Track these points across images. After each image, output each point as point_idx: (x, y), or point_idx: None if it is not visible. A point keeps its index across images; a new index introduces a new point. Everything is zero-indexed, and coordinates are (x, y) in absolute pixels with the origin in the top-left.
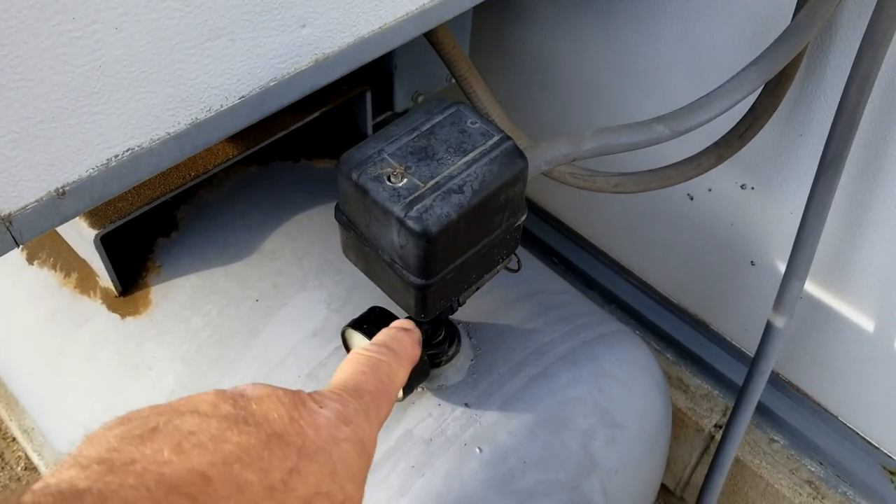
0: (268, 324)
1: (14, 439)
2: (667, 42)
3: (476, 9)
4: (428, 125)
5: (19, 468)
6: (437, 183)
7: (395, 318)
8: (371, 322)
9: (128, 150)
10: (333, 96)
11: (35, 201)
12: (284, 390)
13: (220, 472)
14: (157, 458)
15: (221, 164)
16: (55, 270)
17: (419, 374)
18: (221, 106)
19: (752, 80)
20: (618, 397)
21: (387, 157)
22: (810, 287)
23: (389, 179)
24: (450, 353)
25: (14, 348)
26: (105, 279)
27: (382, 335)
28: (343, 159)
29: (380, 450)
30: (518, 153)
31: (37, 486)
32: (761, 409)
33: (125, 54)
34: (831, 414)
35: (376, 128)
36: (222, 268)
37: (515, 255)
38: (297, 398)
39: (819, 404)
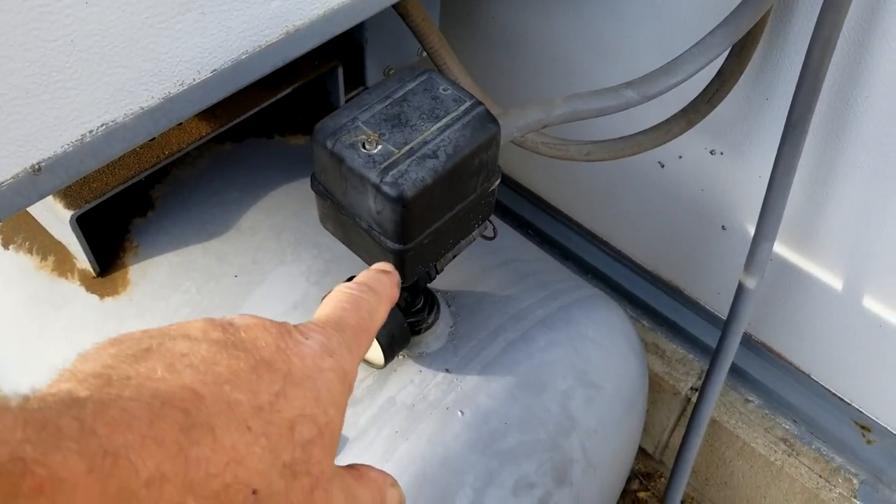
0: (248, 299)
1: None
2: (633, 12)
3: None
4: (401, 93)
5: None
6: (411, 149)
7: None
8: None
9: (102, 125)
10: (305, 72)
11: (11, 178)
12: (272, 321)
13: (212, 390)
14: (152, 376)
15: (195, 142)
16: (31, 254)
17: (400, 341)
18: (194, 80)
19: (717, 44)
20: (595, 359)
21: (361, 124)
22: (780, 249)
23: (364, 146)
24: (429, 321)
25: None
26: (82, 260)
27: (363, 276)
28: (317, 128)
29: (363, 416)
30: (490, 118)
31: (34, 395)
32: (735, 371)
33: (97, 29)
34: (803, 372)
35: None
36: (200, 245)
37: (491, 223)
38: (283, 329)
39: (791, 363)
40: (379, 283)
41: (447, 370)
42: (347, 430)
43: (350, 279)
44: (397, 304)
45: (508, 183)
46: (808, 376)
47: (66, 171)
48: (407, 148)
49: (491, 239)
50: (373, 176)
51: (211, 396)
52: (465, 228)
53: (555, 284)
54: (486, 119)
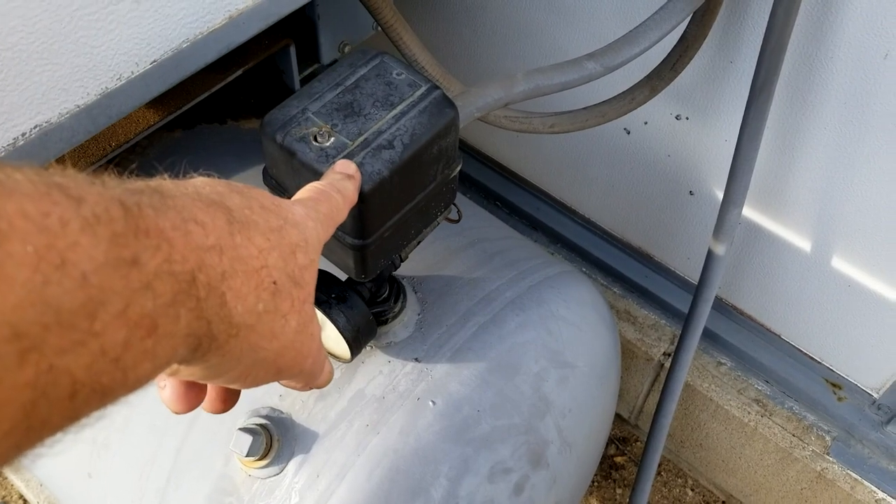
0: None
1: None
2: None
3: None
4: (352, 79)
5: None
6: (365, 140)
7: (336, 279)
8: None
9: (35, 127)
10: (256, 52)
11: None
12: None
13: (238, 206)
14: (191, 188)
15: (143, 131)
16: None
17: (366, 333)
18: (132, 73)
19: (681, 10)
20: (567, 338)
21: (311, 115)
22: (748, 212)
23: (316, 139)
24: (396, 310)
25: None
26: None
27: (329, 177)
28: (266, 121)
29: (333, 410)
30: (447, 102)
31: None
32: (707, 334)
33: (20, 25)
34: (774, 334)
35: (304, 82)
36: None
37: (455, 204)
38: (275, 195)
39: (762, 325)
40: (343, 187)
41: (416, 359)
42: (316, 425)
43: None
44: (360, 295)
45: (474, 154)
46: (779, 337)
47: None
48: (361, 139)
49: (456, 222)
50: (326, 170)
51: (238, 210)
52: (427, 218)
53: (523, 263)
54: (443, 104)
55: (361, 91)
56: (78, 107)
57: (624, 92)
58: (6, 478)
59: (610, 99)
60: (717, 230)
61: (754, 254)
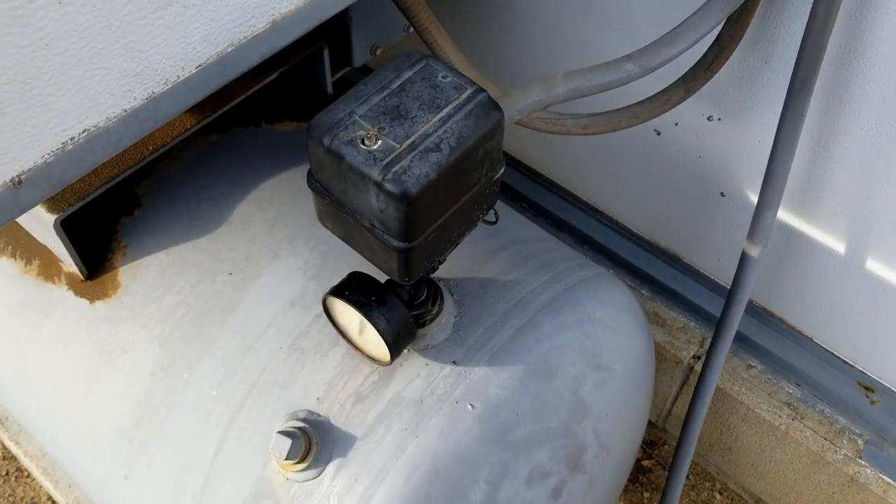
0: (244, 296)
1: None
2: None
3: None
4: (398, 82)
5: None
6: (412, 143)
7: (376, 282)
8: (352, 288)
9: (84, 132)
10: (290, 56)
11: None
12: None
13: None
14: None
15: (180, 135)
16: (15, 259)
17: (406, 336)
18: (178, 77)
19: (719, 10)
20: (604, 340)
21: (358, 119)
22: (782, 214)
23: (363, 142)
24: (433, 312)
25: None
26: (69, 264)
27: None
28: (313, 125)
29: (371, 414)
30: (493, 105)
31: None
32: (738, 337)
33: (73, 30)
34: (807, 337)
35: (336, 84)
36: (191, 242)
37: (493, 207)
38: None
39: (794, 328)
40: None
41: (454, 362)
42: (354, 429)
43: (351, 275)
44: (400, 298)
45: None
46: (811, 340)
47: (48, 182)
48: (408, 142)
49: (493, 223)
50: (374, 174)
51: None
52: (470, 220)
53: (558, 265)
54: (489, 106)
55: (407, 94)
56: (125, 111)
57: (658, 93)
58: (34, 479)
59: (643, 100)
60: (752, 232)
61: (787, 256)
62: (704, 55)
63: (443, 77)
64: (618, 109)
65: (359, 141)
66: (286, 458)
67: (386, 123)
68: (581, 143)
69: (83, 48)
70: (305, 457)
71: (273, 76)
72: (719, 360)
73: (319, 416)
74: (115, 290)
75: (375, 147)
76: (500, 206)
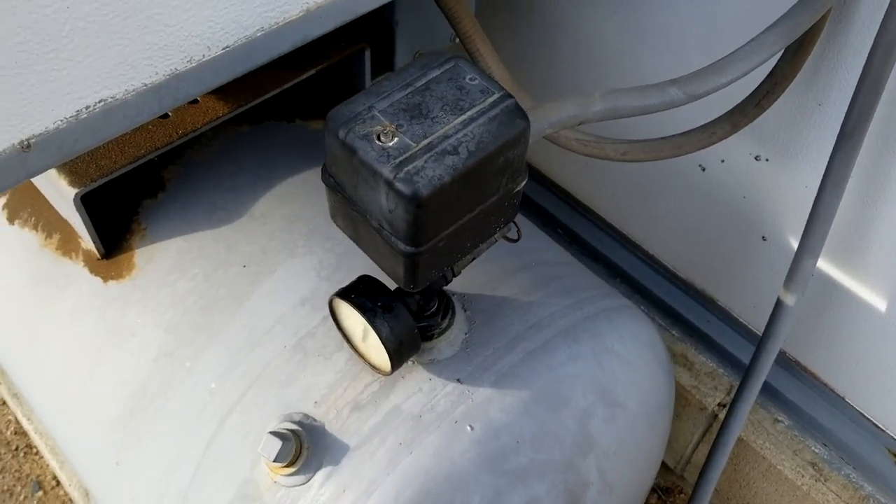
0: (255, 290)
1: (4, 403)
2: (683, 3)
3: None
4: (423, 80)
5: (9, 432)
6: (430, 143)
7: (384, 288)
8: (359, 292)
9: (100, 102)
10: (330, 53)
11: None
12: None
13: None
14: None
15: (210, 122)
16: (36, 231)
17: (409, 347)
18: (204, 56)
19: (771, 44)
20: (620, 375)
21: (377, 114)
22: (822, 264)
23: (379, 138)
24: (443, 326)
25: None
26: (87, 241)
27: None
28: (331, 116)
29: (367, 424)
30: (520, 112)
31: None
32: (766, 388)
33: None
34: (838, 395)
35: None
36: (210, 231)
37: (515, 223)
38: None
39: (826, 385)
40: None
41: (459, 380)
42: (349, 437)
43: (361, 278)
44: (408, 308)
45: (535, 176)
46: (843, 399)
47: (58, 148)
48: (425, 142)
49: (514, 241)
50: (386, 171)
51: None
52: (485, 231)
53: (581, 292)
54: (515, 114)
55: (431, 93)
56: (145, 85)
57: (704, 125)
58: (42, 457)
59: (688, 131)
60: (789, 279)
61: (825, 308)
62: (755, 90)
63: (470, 79)
64: (660, 138)
65: (374, 136)
66: (274, 460)
67: (405, 121)
68: (622, 170)
69: (106, 15)
70: (295, 461)
71: (311, 72)
72: (744, 410)
73: (315, 420)
74: (130, 271)
75: (391, 144)
76: (528, 226)
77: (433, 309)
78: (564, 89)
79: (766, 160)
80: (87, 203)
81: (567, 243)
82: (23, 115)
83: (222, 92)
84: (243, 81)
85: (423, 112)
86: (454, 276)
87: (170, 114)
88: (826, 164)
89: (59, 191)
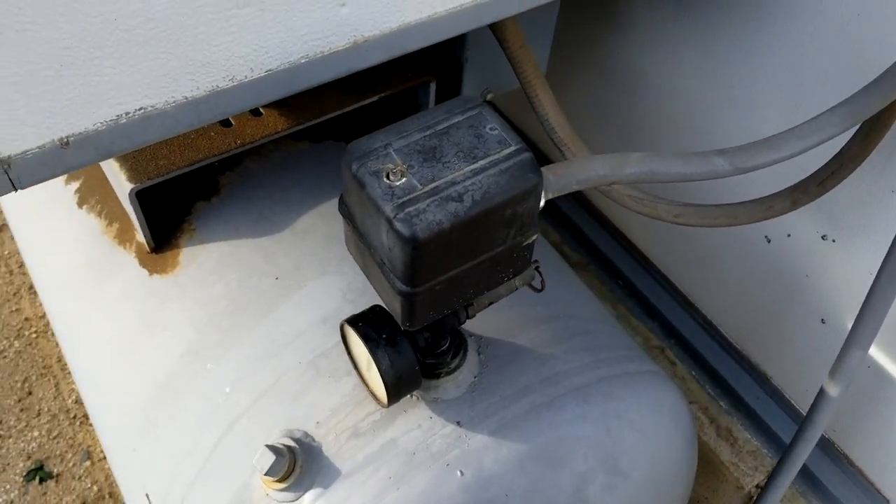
0: (283, 303)
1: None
2: (767, 64)
3: (565, 8)
4: (444, 125)
5: (70, 400)
6: (436, 187)
7: (393, 320)
8: (368, 321)
9: (140, 110)
10: (395, 82)
11: (37, 148)
12: None
13: None
14: None
15: (270, 135)
16: (100, 218)
17: (408, 383)
18: (246, 77)
19: (835, 124)
20: (629, 444)
21: (392, 152)
22: (879, 356)
23: (388, 176)
24: (451, 366)
25: (56, 288)
26: (140, 234)
27: None
28: (349, 148)
29: (362, 452)
30: (532, 168)
31: None
32: (808, 476)
33: (142, 10)
34: (883, 497)
35: None
36: (252, 240)
37: (539, 272)
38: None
39: (872, 483)
40: None
41: (458, 423)
42: (342, 463)
43: (372, 308)
44: (414, 342)
45: (604, 224)
46: (888, 502)
47: (96, 149)
48: (432, 186)
49: (538, 291)
50: (388, 209)
51: None
52: (491, 280)
53: (605, 351)
54: (527, 168)
55: (449, 138)
56: (186, 98)
57: (762, 198)
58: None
59: (746, 202)
60: (835, 369)
61: (879, 402)
62: (820, 169)
63: (490, 129)
64: (716, 205)
65: (384, 174)
66: (266, 474)
67: (417, 162)
68: (688, 231)
69: (151, 30)
70: (287, 477)
71: (373, 98)
72: (776, 496)
73: (314, 440)
74: (174, 267)
75: (398, 183)
76: (566, 276)
77: (444, 347)
78: (637, 138)
79: (833, 241)
80: (145, 198)
81: (625, 296)
82: (64, 113)
83: (285, 108)
84: (306, 100)
85: (437, 156)
86: (468, 317)
87: (232, 123)
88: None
89: (119, 184)
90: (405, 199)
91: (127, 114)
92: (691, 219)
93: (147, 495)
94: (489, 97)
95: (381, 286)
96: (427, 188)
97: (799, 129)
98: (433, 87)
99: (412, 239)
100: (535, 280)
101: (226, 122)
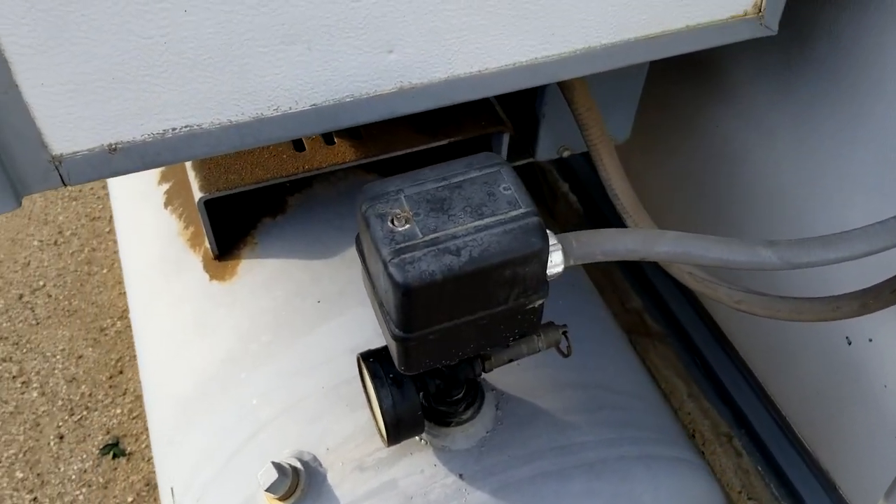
0: (320, 326)
1: None
2: (861, 159)
3: (659, 71)
4: (460, 178)
5: None
6: (435, 238)
7: None
8: (379, 358)
9: (186, 127)
10: (468, 128)
11: (86, 150)
12: None
13: None
14: None
15: (338, 164)
16: (180, 220)
17: (409, 426)
18: (290, 108)
19: None
20: None
21: (403, 198)
22: None
23: (393, 221)
24: (463, 418)
25: (134, 278)
26: (208, 240)
27: None
28: (364, 188)
29: (363, 487)
30: (539, 233)
31: None
32: None
33: (192, 37)
34: None
35: None
36: (304, 261)
37: (567, 337)
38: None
39: None
40: None
41: (461, 476)
42: (342, 493)
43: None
44: (421, 387)
45: (687, 294)
46: None
47: (141, 158)
48: (432, 236)
49: (564, 356)
50: (385, 252)
51: None
52: (493, 337)
53: (632, 430)
54: (532, 233)
55: (461, 192)
56: (230, 122)
57: (830, 297)
58: None
59: (813, 298)
60: (890, 492)
61: None
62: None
63: (504, 188)
64: (780, 297)
65: (389, 218)
66: (266, 490)
67: (423, 211)
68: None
69: (200, 55)
70: (288, 497)
71: (443, 141)
72: None
73: (320, 465)
74: (231, 276)
75: (400, 229)
76: (613, 347)
77: (457, 397)
78: (728, 220)
79: None
80: (215, 207)
81: (701, 376)
82: (114, 122)
83: (357, 139)
84: (378, 134)
85: (444, 207)
86: (485, 371)
87: (306, 147)
88: None
89: (194, 191)
90: (403, 245)
91: (173, 129)
92: (753, 307)
93: (171, 489)
94: (565, 154)
95: (382, 326)
96: (427, 238)
97: (862, 232)
98: (506, 137)
99: (403, 286)
100: (562, 344)
101: (299, 147)
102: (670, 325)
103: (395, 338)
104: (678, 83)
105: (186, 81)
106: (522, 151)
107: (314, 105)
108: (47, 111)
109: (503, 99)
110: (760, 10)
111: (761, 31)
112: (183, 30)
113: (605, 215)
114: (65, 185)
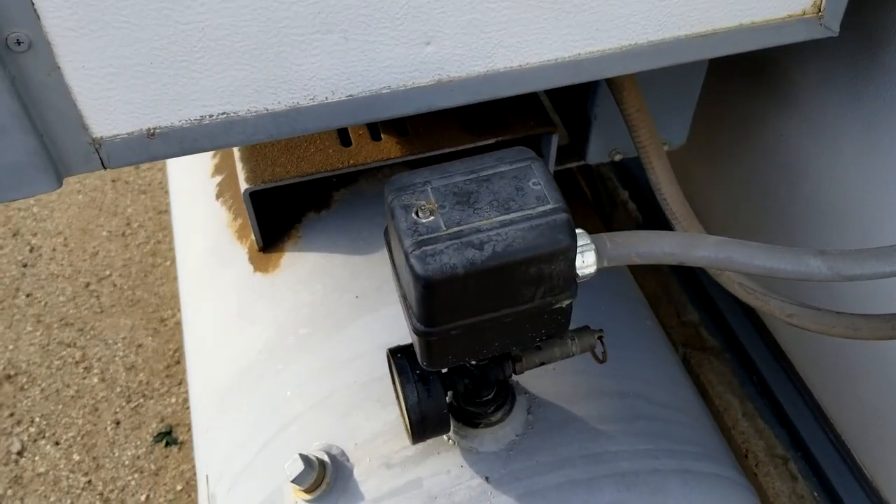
0: (356, 321)
1: None
2: None
3: (720, 75)
4: (489, 171)
5: None
6: (459, 231)
7: None
8: (408, 354)
9: (223, 114)
10: (515, 127)
11: (126, 134)
12: None
13: None
14: None
15: (384, 160)
16: (229, 212)
17: (435, 425)
18: (326, 98)
19: None
20: None
21: (429, 190)
22: None
23: (417, 213)
24: (492, 420)
25: (185, 268)
26: (254, 232)
27: None
28: (392, 179)
29: (388, 484)
30: (566, 230)
31: None
32: None
33: (229, 24)
34: None
35: (559, 174)
36: (345, 256)
37: (602, 342)
38: None
39: None
40: None
41: (487, 478)
42: (367, 489)
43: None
44: (449, 385)
45: (746, 308)
46: None
47: (179, 143)
48: (455, 229)
49: (600, 362)
50: (407, 243)
51: None
52: (519, 335)
53: (669, 443)
54: (560, 229)
55: (489, 186)
56: (267, 110)
57: (889, 314)
58: None
59: (870, 314)
60: None
61: None
62: None
63: (534, 183)
64: (836, 312)
65: (414, 209)
66: (293, 481)
67: (449, 203)
68: (853, 359)
69: (236, 42)
70: (314, 489)
71: (489, 141)
72: None
73: (348, 460)
74: (274, 269)
75: (424, 221)
76: (661, 357)
77: (487, 398)
78: (793, 231)
79: None
80: (262, 200)
81: (757, 394)
82: (153, 107)
83: (404, 136)
84: (425, 130)
85: (470, 201)
86: (515, 372)
87: (352, 142)
88: None
89: (241, 183)
90: (426, 237)
91: (210, 116)
92: (805, 322)
93: (206, 477)
94: (617, 158)
95: (407, 319)
96: (450, 230)
97: None
98: (555, 138)
99: (423, 278)
100: (597, 349)
101: (346, 142)
102: (727, 340)
103: (416, 332)
104: (741, 90)
105: (223, 68)
106: (574, 153)
107: (350, 96)
108: (88, 94)
109: (555, 99)
110: (820, 10)
111: (821, 31)
112: (220, 16)
113: (665, 226)
114: (104, 167)
